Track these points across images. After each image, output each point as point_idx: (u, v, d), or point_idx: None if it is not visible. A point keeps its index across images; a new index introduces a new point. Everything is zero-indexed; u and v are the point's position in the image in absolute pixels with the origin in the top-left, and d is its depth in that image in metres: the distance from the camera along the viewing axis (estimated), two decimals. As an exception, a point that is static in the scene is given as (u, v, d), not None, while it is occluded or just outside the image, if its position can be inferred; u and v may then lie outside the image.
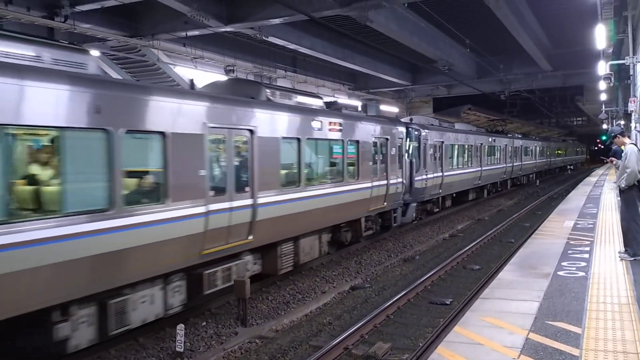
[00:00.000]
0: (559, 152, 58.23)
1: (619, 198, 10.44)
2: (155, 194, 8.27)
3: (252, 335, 9.06)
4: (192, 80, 12.14)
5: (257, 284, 11.35)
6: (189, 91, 10.64)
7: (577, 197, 21.45)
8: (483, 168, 27.87)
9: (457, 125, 26.10)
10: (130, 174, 7.98)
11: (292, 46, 19.75)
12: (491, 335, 5.79)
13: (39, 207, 6.76)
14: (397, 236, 18.20)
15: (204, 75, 19.14)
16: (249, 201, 9.99)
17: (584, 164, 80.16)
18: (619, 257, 9.38)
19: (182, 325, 7.82)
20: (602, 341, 5.53)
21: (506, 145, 33.08)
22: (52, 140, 6.94)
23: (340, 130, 13.44)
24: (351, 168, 14.12)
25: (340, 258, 14.81)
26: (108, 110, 7.36)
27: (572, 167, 67.07)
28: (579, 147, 78.46)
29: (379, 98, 32.92)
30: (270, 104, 11.34)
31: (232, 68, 19.82)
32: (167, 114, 8.40)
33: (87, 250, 6.98)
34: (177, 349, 8.07)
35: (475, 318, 6.42)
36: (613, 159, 11.27)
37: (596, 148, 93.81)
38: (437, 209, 22.43)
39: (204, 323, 9.57)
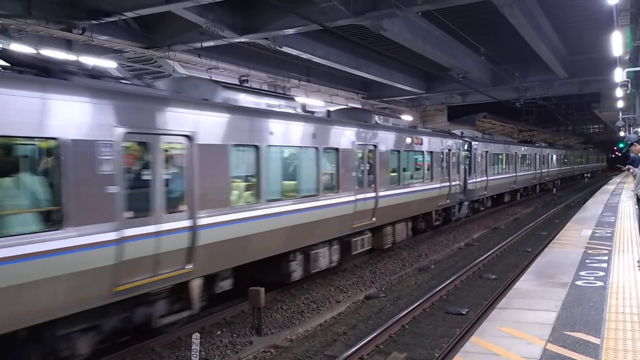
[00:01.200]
0: (581, 159, 62.24)
1: (637, 206, 10.30)
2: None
3: (267, 344, 9.06)
4: (328, 110, 15.38)
5: (271, 293, 11.36)
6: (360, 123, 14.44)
7: (594, 206, 21.20)
8: (517, 174, 31.87)
9: (496, 137, 30.60)
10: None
11: (305, 56, 19.84)
12: (509, 345, 5.73)
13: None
14: (412, 245, 18.10)
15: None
16: (372, 194, 14.28)
17: (604, 172, 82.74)
18: (638, 266, 9.24)
19: (198, 334, 7.84)
20: (622, 352, 5.44)
21: (535, 154, 37.12)
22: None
23: (421, 144, 17.78)
24: (427, 172, 18.35)
25: (355, 267, 14.77)
26: (319, 135, 12.01)
27: (588, 175, 66.96)
28: (598, 154, 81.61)
29: (393, 107, 32.89)
30: (384, 127, 15.80)
31: (246, 78, 19.95)
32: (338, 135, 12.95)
33: (306, 219, 11.29)
34: (193, 358, 8.08)
35: (492, 328, 6.36)
36: (630, 167, 11.13)
37: (613, 156, 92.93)
38: (483, 208, 26.53)
39: (219, 332, 9.59)
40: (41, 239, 6.28)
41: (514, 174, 31.05)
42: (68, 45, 14.42)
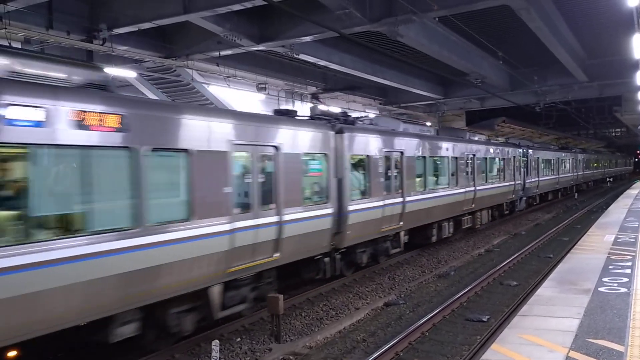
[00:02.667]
0: (610, 163, 68.25)
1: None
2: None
3: (286, 351, 9.05)
4: (437, 130, 20.62)
5: (289, 300, 11.36)
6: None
7: (617, 210, 20.87)
8: (560, 176, 38.11)
9: (542, 145, 36.23)
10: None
11: (322, 63, 19.90)
12: (530, 353, 5.66)
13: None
14: (431, 252, 17.99)
15: (237, 94, 19.46)
16: (472, 188, 20.35)
17: (631, 175, 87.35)
18: (664, 272, 9.07)
19: (217, 341, 7.87)
20: (647, 360, 5.35)
21: (572, 158, 42.98)
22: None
23: (499, 152, 24.42)
24: (502, 173, 24.47)
25: (374, 274, 14.71)
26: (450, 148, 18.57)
27: (611, 179, 66.36)
28: (626, 159, 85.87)
29: (411, 112, 32.78)
30: (478, 142, 22.18)
31: (264, 86, 20.07)
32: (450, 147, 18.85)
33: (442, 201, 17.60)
34: (212, 365, 8.10)
35: (513, 335, 6.29)
36: None
37: (636, 159, 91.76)
38: (535, 203, 32.94)
39: (239, 339, 9.62)
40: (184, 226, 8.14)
41: (557, 176, 37.27)
42: (89, 55, 14.67)
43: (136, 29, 14.42)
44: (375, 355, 8.39)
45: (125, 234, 7.20)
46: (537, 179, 30.94)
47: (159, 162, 7.93)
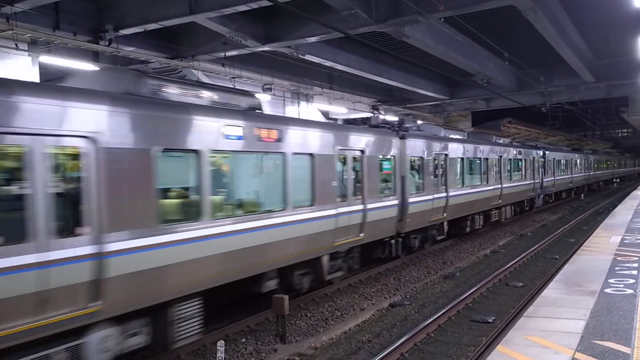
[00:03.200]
0: (620, 164, 71.63)
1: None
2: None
3: (291, 352, 9.06)
4: (468, 134, 23.27)
5: (295, 301, 11.37)
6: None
7: (623, 212, 20.77)
8: (573, 175, 41.13)
9: (557, 147, 40.96)
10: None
11: (328, 63, 19.89)
12: (535, 354, 5.64)
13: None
14: (436, 252, 17.96)
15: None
16: (499, 186, 23.17)
17: (639, 176, 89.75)
18: (671, 273, 9.03)
19: (223, 341, 7.88)
20: (654, 362, 5.32)
21: (584, 159, 46.18)
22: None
23: (521, 154, 27.04)
24: (524, 173, 27.26)
25: (379, 275, 14.71)
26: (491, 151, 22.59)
27: (617, 179, 66.31)
28: (635, 159, 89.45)
29: (416, 113, 32.73)
30: (505, 144, 25.58)
31: (269, 86, 20.08)
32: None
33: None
34: (217, 366, 8.12)
35: (518, 337, 6.27)
36: None
37: None
38: (551, 200, 35.79)
39: (244, 339, 9.63)
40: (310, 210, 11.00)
41: (571, 176, 40.35)
42: (95, 56, 14.72)
43: (142, 30, 14.46)
44: (380, 356, 8.38)
45: (279, 213, 10.15)
46: (553, 178, 34.06)
47: (297, 162, 10.76)
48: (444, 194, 17.55)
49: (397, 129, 15.84)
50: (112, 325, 7.15)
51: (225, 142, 8.93)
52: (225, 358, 8.22)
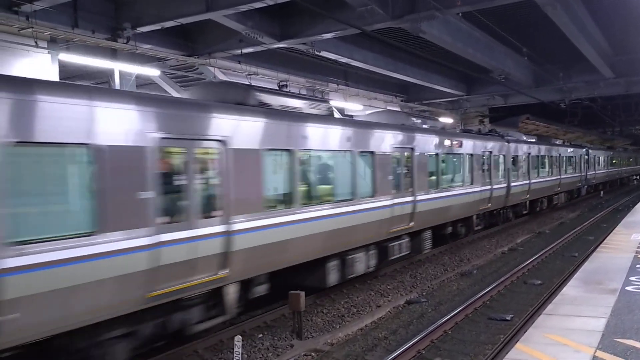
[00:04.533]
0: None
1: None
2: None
3: (307, 348, 9.07)
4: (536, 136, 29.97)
5: (311, 297, 11.37)
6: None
7: (644, 209, 20.43)
8: (609, 170, 48.37)
9: (595, 145, 46.80)
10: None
11: (343, 60, 19.84)
12: (555, 353, 5.57)
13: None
14: (453, 250, 17.85)
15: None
16: (558, 177, 29.87)
17: None
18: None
19: (240, 336, 7.91)
20: (677, 361, 5.23)
21: (618, 157, 54.05)
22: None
23: (573, 152, 33.71)
24: (573, 166, 33.84)
25: (395, 272, 14.66)
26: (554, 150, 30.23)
27: (637, 176, 65.91)
28: None
29: (432, 109, 32.53)
30: (559, 145, 32.51)
31: (285, 83, 20.09)
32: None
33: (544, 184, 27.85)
34: (235, 361, 8.16)
35: (538, 335, 6.20)
36: None
37: None
38: (592, 190, 42.19)
39: (261, 335, 9.67)
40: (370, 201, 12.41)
41: (606, 170, 46.94)
42: (113, 54, 14.84)
43: (159, 28, 14.55)
44: (396, 353, 8.35)
45: (348, 202, 11.70)
46: (594, 172, 40.87)
47: (362, 160, 12.34)
48: (528, 181, 24.57)
49: (502, 135, 23.28)
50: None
51: (323, 143, 11.14)
52: (242, 353, 8.26)
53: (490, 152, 19.96)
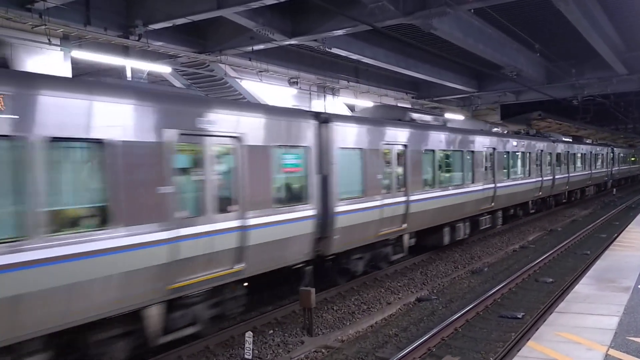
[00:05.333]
0: None
1: None
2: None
3: (318, 344, 9.09)
4: (572, 137, 34.97)
5: (321, 294, 11.39)
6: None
7: (658, 207, 20.24)
8: (631, 167, 54.92)
9: (618, 144, 52.62)
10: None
11: (354, 57, 19.77)
12: (567, 351, 5.55)
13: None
14: (464, 247, 17.78)
15: (269, 88, 19.54)
16: (589, 171, 35.48)
17: None
18: None
19: (251, 332, 7.96)
20: (692, 360, 5.18)
21: (637, 154, 60.37)
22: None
23: (598, 150, 37.98)
24: (601, 163, 38.43)
25: (405, 269, 14.63)
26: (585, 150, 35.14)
27: None
28: None
29: (443, 106, 32.37)
30: (590, 144, 38.12)
31: (295, 80, 20.08)
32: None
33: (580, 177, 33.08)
34: (246, 356, 8.21)
35: (550, 333, 6.17)
36: None
37: None
38: (615, 184, 46.45)
39: (271, 331, 9.70)
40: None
41: (629, 167, 53.69)
42: (125, 51, 14.91)
43: (170, 25, 14.58)
44: (407, 350, 8.35)
45: (462, 185, 16.77)
46: (618, 168, 46.37)
47: (468, 156, 16.97)
48: (567, 174, 29.15)
49: (548, 137, 27.65)
50: None
51: (447, 144, 16.16)
52: (253, 349, 8.30)
53: (542, 151, 24.77)
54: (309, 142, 10.36)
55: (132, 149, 6.94)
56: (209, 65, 17.94)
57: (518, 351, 7.75)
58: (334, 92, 23.40)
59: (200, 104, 8.22)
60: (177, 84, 19.32)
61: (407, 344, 8.83)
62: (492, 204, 18.76)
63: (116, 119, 6.82)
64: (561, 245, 17.80)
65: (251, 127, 8.95)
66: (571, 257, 16.51)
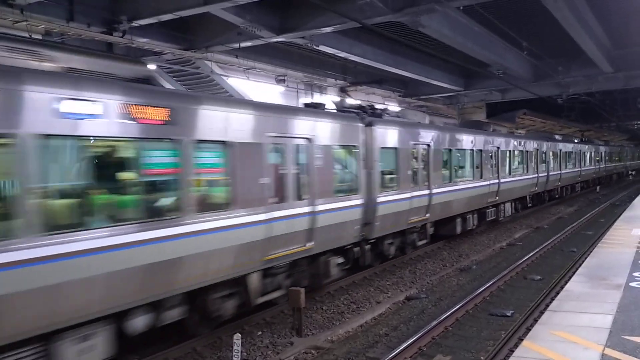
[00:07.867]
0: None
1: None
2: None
3: (307, 345, 8.96)
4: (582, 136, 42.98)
5: (310, 294, 11.26)
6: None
7: (643, 204, 20.39)
8: (627, 163, 61.73)
9: (615, 143, 60.21)
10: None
11: (342, 54, 19.66)
12: (564, 350, 5.47)
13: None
14: (452, 245, 17.77)
15: (256, 86, 19.35)
16: (604, 165, 47.83)
17: None
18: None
19: (239, 334, 7.79)
20: (688, 359, 5.13)
21: (632, 152, 67.91)
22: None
23: (589, 149, 41.28)
24: (603, 163, 47.05)
25: (394, 267, 14.56)
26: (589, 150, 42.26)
27: (633, 172, 66.47)
28: None
29: (430, 105, 32.40)
30: (601, 144, 49.40)
31: (283, 78, 19.91)
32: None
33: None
34: (234, 358, 8.04)
35: (545, 332, 6.10)
36: None
37: None
38: (625, 176, 59.33)
39: (260, 332, 9.55)
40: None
41: (624, 163, 60.33)
42: (109, 48, 14.63)
43: (156, 21, 14.33)
44: (398, 350, 8.25)
45: (476, 180, 19.06)
46: (613, 165, 52.44)
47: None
48: (559, 172, 31.06)
49: (544, 137, 30.08)
50: None
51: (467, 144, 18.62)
52: (241, 351, 8.13)
53: (537, 149, 26.49)
54: (358, 142, 12.22)
55: (245, 148, 8.92)
56: (194, 63, 17.70)
57: (510, 350, 7.69)
58: (321, 90, 23.26)
59: (285, 112, 10.23)
60: (163, 82, 19.03)
61: (397, 344, 8.73)
62: (497, 197, 20.58)
63: (237, 125, 8.82)
64: (548, 242, 17.86)
65: (319, 130, 10.86)
66: (558, 254, 16.55)
